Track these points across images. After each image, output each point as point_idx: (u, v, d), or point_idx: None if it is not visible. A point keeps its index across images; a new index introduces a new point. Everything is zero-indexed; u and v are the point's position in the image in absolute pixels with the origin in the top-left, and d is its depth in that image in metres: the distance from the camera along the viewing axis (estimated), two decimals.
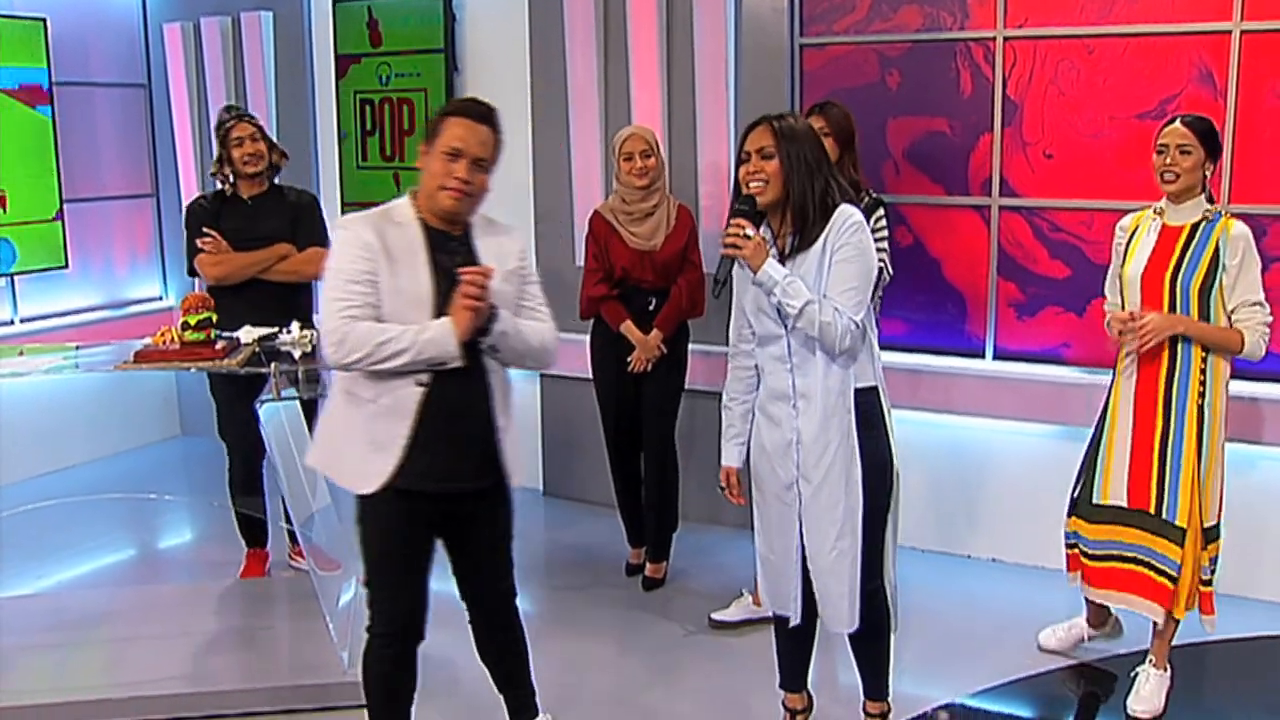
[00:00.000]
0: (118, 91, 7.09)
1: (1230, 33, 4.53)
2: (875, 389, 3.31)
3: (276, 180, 4.85)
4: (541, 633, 4.60)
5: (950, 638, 4.49)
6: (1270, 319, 3.72)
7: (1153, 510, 3.84)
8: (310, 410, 4.09)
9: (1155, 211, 3.86)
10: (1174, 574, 3.80)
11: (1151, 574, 3.86)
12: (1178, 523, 3.79)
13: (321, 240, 4.73)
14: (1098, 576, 4.01)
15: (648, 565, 5.05)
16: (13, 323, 6.55)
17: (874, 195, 4.39)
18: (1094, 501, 3.98)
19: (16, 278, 6.50)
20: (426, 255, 3.05)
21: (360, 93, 6.39)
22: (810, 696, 3.71)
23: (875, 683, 3.58)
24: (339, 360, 2.98)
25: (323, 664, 4.05)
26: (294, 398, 4.09)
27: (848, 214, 3.18)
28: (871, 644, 3.50)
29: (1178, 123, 3.75)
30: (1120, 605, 4.02)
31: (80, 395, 6.74)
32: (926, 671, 4.19)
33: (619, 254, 4.78)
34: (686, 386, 5.02)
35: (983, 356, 5.15)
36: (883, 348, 3.98)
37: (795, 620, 3.44)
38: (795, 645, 3.59)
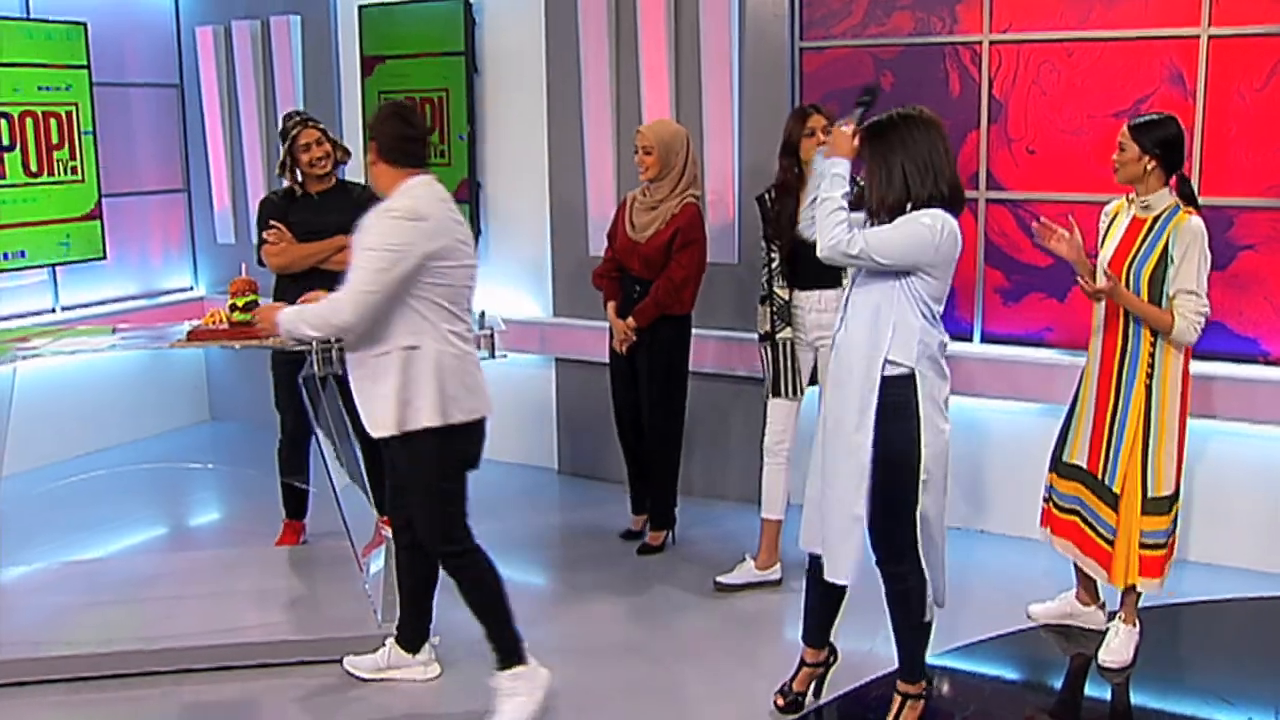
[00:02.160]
0: (152, 92, 7.42)
1: (1199, 37, 4.84)
2: (911, 376, 3.40)
3: (341, 176, 5.13)
4: (556, 599, 4.98)
5: None
6: (1204, 308, 3.97)
7: (1098, 475, 4.19)
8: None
9: (1129, 201, 4.17)
10: (1110, 537, 4.15)
11: (1092, 533, 4.22)
12: (1114, 489, 4.13)
13: None
14: (1060, 526, 4.36)
15: (647, 532, 5.36)
16: (54, 311, 6.86)
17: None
18: (1064, 459, 4.32)
19: (58, 268, 6.84)
20: None
21: (385, 92, 6.70)
22: (831, 653, 3.91)
23: (904, 663, 3.71)
24: None
25: (357, 619, 4.36)
26: (331, 373, 4.40)
27: (920, 212, 3.40)
28: (898, 625, 3.66)
29: (1125, 123, 4.08)
30: (1074, 558, 4.34)
31: (112, 381, 7.08)
32: None
33: (619, 239, 5.10)
34: (694, 369, 5.30)
35: (971, 340, 5.45)
36: None
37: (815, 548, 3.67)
38: (820, 600, 3.81)
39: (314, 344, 4.28)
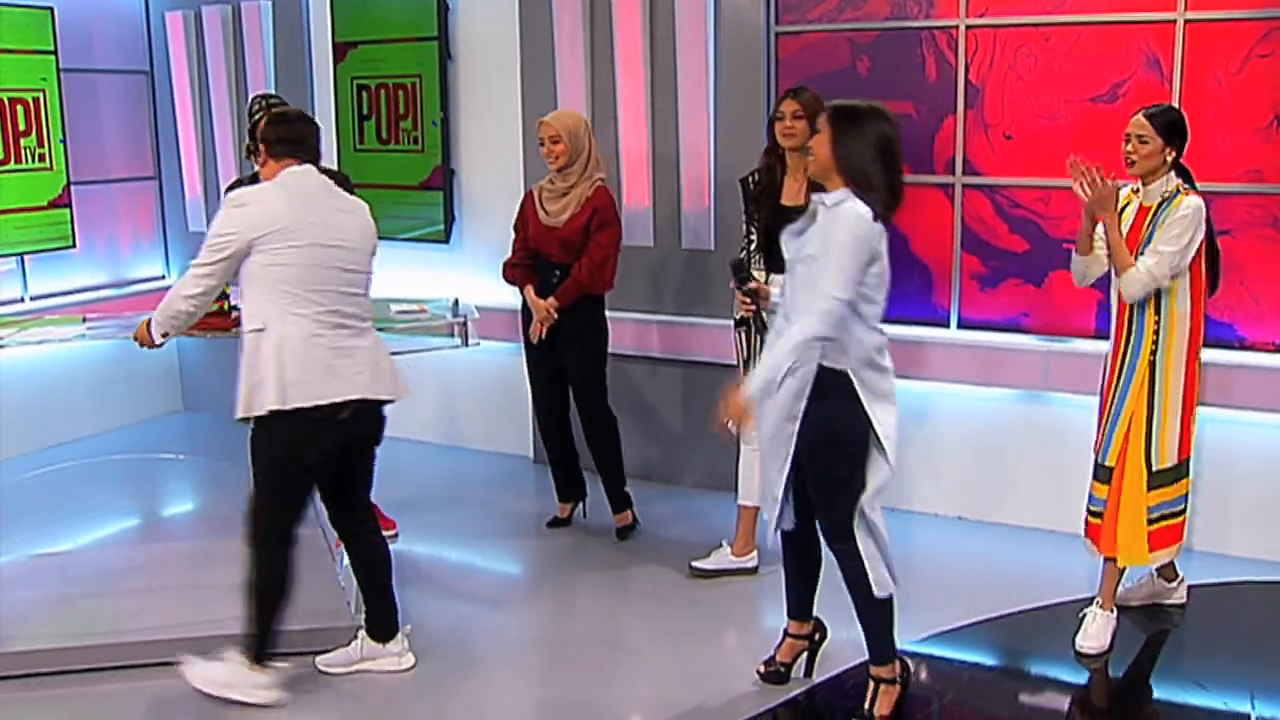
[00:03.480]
0: (121, 78, 7.32)
1: (1175, 22, 4.83)
2: (846, 374, 3.48)
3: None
4: (531, 586, 4.99)
5: (916, 591, 4.64)
6: (1163, 272, 3.95)
7: (1096, 454, 4.20)
8: None
9: (1133, 190, 4.18)
10: (1098, 510, 4.16)
11: (1088, 514, 4.24)
12: (1107, 463, 4.13)
13: None
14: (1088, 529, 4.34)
15: (615, 517, 5.37)
16: (22, 300, 6.77)
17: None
18: (1098, 461, 4.27)
19: (26, 257, 6.73)
20: None
21: (357, 78, 6.65)
22: (818, 629, 3.97)
23: (871, 645, 3.70)
24: None
25: (331, 610, 4.32)
26: None
27: (846, 209, 3.43)
28: (858, 605, 3.66)
29: (1140, 114, 4.07)
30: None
31: (83, 371, 6.99)
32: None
33: (532, 228, 5.12)
34: (615, 351, 5.36)
35: (948, 326, 5.44)
36: None
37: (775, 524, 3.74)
38: (795, 571, 3.90)
39: None
